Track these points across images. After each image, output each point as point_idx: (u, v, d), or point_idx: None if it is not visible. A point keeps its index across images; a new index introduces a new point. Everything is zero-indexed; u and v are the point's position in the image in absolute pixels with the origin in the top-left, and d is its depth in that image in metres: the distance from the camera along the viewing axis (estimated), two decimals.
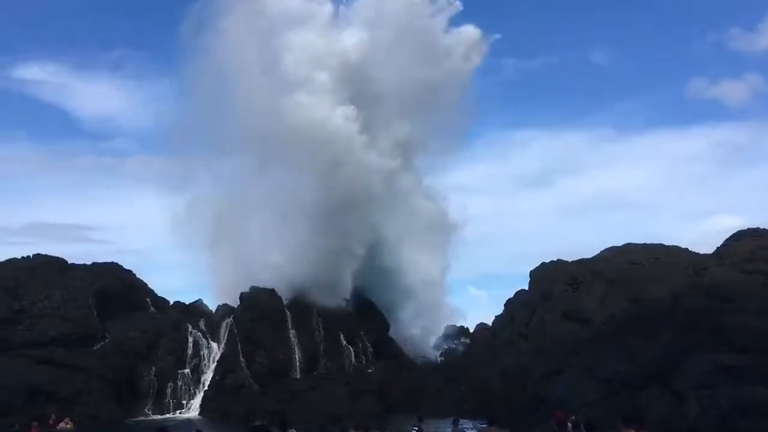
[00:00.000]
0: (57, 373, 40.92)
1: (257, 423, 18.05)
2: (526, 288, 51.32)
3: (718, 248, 37.16)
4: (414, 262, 62.04)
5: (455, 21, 64.30)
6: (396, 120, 59.32)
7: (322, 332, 50.65)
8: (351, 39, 58.28)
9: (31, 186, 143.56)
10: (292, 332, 49.77)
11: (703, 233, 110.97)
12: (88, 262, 53.10)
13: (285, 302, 51.06)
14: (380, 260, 58.54)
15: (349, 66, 56.66)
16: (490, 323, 63.69)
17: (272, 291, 51.06)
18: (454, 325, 74.02)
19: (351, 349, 51.03)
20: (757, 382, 21.78)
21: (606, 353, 30.27)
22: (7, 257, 51.26)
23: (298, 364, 48.79)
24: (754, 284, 28.21)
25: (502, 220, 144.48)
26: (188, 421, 17.06)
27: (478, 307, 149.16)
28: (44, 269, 49.33)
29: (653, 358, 26.74)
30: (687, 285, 31.73)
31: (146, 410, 44.26)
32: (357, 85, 56.44)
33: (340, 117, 53.87)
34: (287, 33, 56.03)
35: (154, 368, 46.62)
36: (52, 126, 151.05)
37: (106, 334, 47.39)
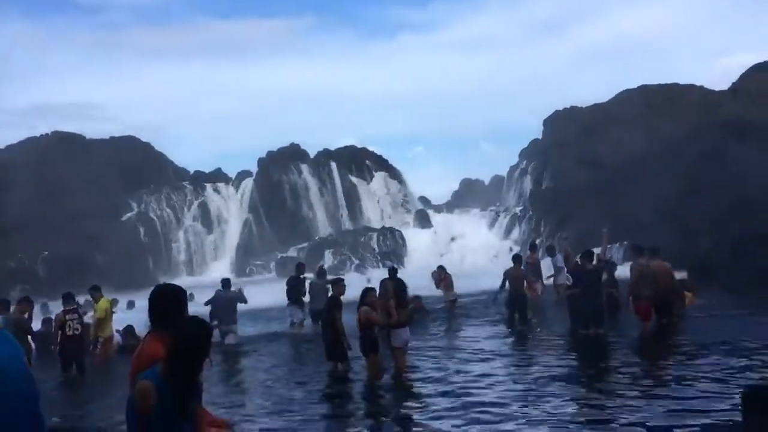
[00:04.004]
0: (90, 244, 42.65)
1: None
2: (540, 138, 51.55)
3: (733, 84, 36.70)
4: None
5: None
6: None
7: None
8: None
9: (30, 66, 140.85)
10: (313, 189, 51.25)
11: (720, 71, 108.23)
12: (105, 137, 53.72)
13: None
14: None
15: None
16: (505, 175, 64.55)
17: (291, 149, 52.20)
18: (469, 178, 75.08)
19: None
20: None
21: (621, 195, 31.02)
22: (24, 137, 51.90)
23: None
24: None
25: (513, 72, 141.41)
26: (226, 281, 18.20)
27: (492, 161, 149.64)
28: (64, 145, 49.97)
29: (668, 198, 27.43)
30: (702, 123, 31.76)
31: (178, 273, 46.61)
32: None
33: None
34: None
35: (182, 235, 48.76)
36: (45, 2, 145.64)
37: (132, 205, 48.99)
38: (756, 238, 22.17)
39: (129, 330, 16.07)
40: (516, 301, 16.83)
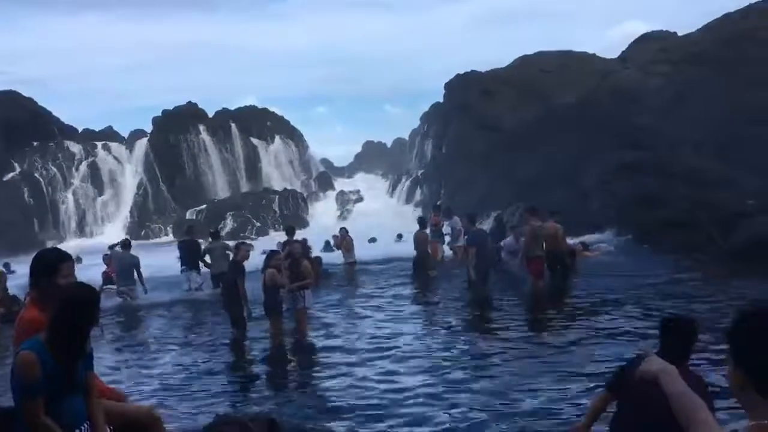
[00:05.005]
0: None
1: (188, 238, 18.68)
2: (442, 101, 52.14)
3: (623, 52, 38.29)
4: None
5: None
6: None
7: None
8: None
9: None
10: (212, 150, 49.96)
11: (611, 39, 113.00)
12: None
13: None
14: None
15: None
16: (407, 138, 65.22)
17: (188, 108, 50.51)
18: (372, 141, 75.50)
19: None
20: (655, 175, 23.77)
21: (518, 159, 31.91)
22: None
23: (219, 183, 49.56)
24: (655, 86, 29.64)
25: (418, 34, 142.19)
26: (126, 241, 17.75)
27: (395, 123, 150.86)
28: None
29: (561, 161, 28.44)
30: (593, 89, 32.99)
31: (67, 236, 44.54)
32: None
33: None
34: None
35: (71, 196, 46.41)
36: None
37: (15, 164, 46.05)
38: (639, 198, 23.53)
39: (7, 296, 15.21)
40: (421, 262, 17.51)
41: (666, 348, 4.10)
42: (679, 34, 35.26)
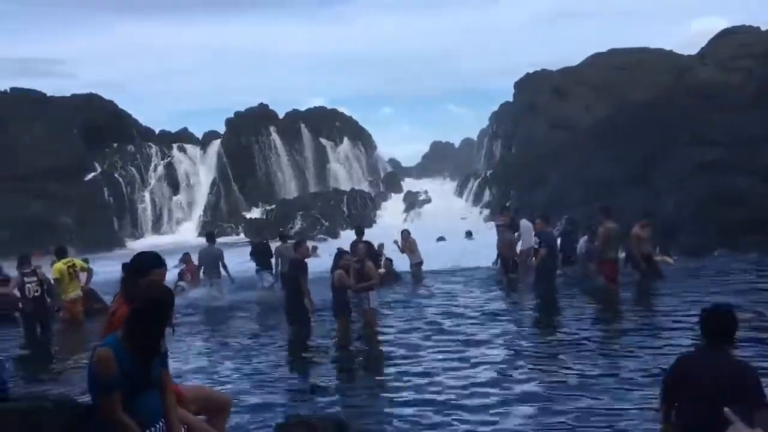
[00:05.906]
0: (53, 204, 41.80)
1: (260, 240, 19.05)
2: (511, 100, 51.50)
3: (702, 48, 36.91)
4: None
5: None
6: None
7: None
8: None
9: None
10: (282, 151, 50.82)
11: (688, 35, 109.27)
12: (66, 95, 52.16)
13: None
14: None
15: None
16: (475, 138, 64.73)
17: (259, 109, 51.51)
18: (439, 141, 75.29)
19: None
20: (734, 173, 22.83)
21: (590, 158, 31.17)
22: None
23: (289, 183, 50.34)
24: (735, 82, 28.44)
25: (481, 33, 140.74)
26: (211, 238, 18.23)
27: (462, 123, 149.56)
28: (23, 103, 48.47)
29: (635, 160, 27.63)
30: (670, 87, 31.93)
31: (145, 235, 46.15)
32: None
33: None
34: None
35: (148, 195, 48.09)
36: None
37: (96, 165, 47.99)
38: (716, 197, 22.60)
39: (88, 291, 15.71)
40: (506, 264, 17.52)
41: (710, 336, 4.44)
42: (762, 29, 33.71)
